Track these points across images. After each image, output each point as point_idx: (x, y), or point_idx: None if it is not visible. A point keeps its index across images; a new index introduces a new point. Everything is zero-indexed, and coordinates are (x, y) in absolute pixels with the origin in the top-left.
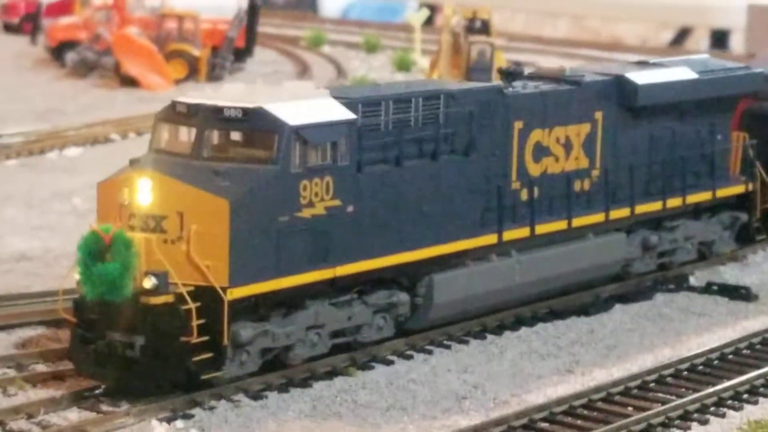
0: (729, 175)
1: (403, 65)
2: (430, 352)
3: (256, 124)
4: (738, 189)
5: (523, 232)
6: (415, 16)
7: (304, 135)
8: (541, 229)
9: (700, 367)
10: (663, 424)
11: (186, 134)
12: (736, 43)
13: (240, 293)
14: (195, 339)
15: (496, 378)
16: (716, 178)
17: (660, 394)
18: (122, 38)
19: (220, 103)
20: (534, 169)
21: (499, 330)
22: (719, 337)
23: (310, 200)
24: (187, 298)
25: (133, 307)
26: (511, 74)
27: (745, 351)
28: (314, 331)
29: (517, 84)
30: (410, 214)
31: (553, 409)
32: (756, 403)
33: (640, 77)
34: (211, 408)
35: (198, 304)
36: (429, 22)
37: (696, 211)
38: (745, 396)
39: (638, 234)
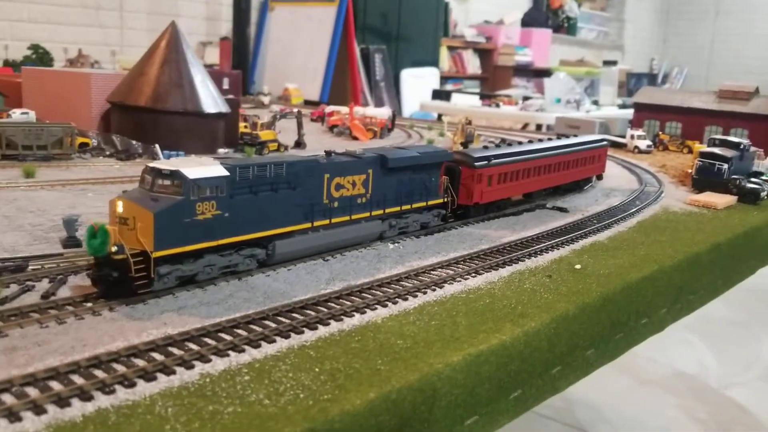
0: (437, 195)
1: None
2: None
3: (175, 177)
4: (439, 200)
5: (325, 222)
6: (447, 127)
7: (198, 183)
8: (336, 220)
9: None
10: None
11: (147, 180)
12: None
13: (159, 254)
14: (135, 274)
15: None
16: (430, 196)
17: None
18: (353, 124)
19: (162, 167)
20: (336, 194)
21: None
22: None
23: (203, 211)
24: (128, 256)
25: (110, 259)
26: (329, 153)
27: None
28: (209, 267)
29: (333, 157)
30: (263, 216)
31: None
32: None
33: (391, 155)
34: (145, 302)
35: (140, 258)
36: (439, 118)
37: (422, 209)
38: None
39: (388, 220)
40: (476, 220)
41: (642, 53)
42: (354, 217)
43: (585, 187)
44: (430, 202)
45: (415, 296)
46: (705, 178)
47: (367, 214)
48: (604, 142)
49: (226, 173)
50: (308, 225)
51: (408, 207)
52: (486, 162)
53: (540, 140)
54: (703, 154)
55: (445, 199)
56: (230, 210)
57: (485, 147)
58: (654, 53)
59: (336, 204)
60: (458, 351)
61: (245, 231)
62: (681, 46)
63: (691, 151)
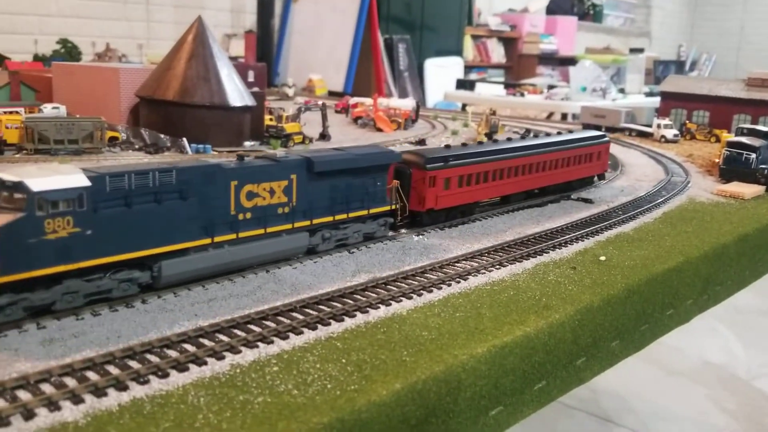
0: (384, 202)
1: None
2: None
3: (18, 190)
4: (386, 208)
5: (231, 236)
6: (471, 117)
7: (45, 196)
8: (246, 234)
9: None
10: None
11: None
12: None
13: (2, 280)
14: None
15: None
16: (375, 203)
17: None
18: (377, 116)
19: (6, 177)
20: (247, 204)
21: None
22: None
23: (54, 229)
24: None
25: None
26: (241, 157)
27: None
28: (70, 295)
29: (245, 162)
30: (143, 232)
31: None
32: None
33: (319, 157)
34: (176, 293)
35: None
36: (463, 108)
37: (364, 218)
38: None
39: (319, 232)
40: (500, 212)
41: (669, 40)
42: (271, 229)
43: (581, 188)
44: (375, 210)
45: (440, 288)
46: (732, 168)
47: (290, 226)
48: (605, 138)
49: (85, 184)
50: (207, 241)
51: (344, 216)
52: (441, 163)
53: (535, 136)
54: (730, 144)
55: (395, 206)
56: (94, 227)
57: (447, 146)
58: (682, 40)
59: (248, 215)
60: (483, 343)
61: (116, 251)
62: (710, 32)
63: (718, 141)
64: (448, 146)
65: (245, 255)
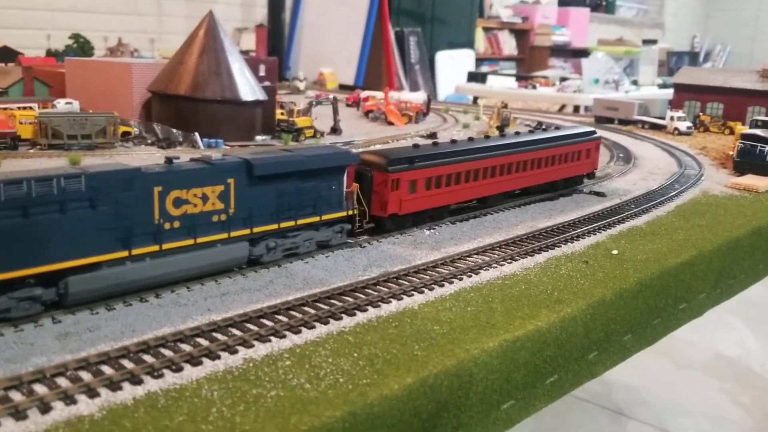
0: (341, 207)
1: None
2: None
3: None
4: (342, 214)
5: (154, 248)
6: (482, 110)
7: None
8: (172, 245)
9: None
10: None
11: None
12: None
13: None
14: None
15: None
16: (329, 209)
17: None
18: (388, 109)
19: None
20: (175, 212)
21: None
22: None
23: None
24: None
25: None
26: (169, 160)
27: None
28: None
29: (173, 165)
30: (42, 245)
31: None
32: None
33: (260, 160)
34: (189, 288)
35: None
36: (475, 101)
37: (317, 225)
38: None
39: (263, 241)
40: (512, 205)
41: (683, 31)
42: (203, 239)
43: (566, 188)
44: (329, 216)
45: (451, 282)
46: (746, 161)
47: (225, 236)
48: (595, 135)
49: None
50: (124, 253)
51: (292, 224)
52: (406, 165)
53: (516, 134)
54: (744, 136)
55: (353, 211)
56: None
57: (415, 146)
58: (696, 30)
59: (175, 224)
60: (494, 337)
61: (11, 267)
62: (724, 23)
63: (732, 133)
64: (416, 146)
65: (171, 268)
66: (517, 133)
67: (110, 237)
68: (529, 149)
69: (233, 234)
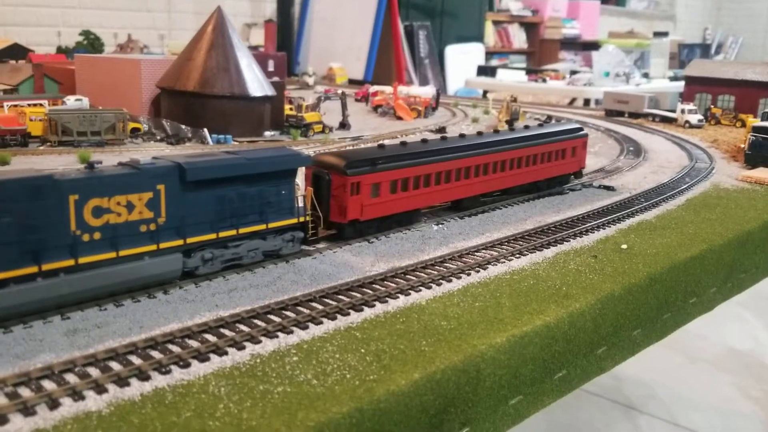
0: (291, 214)
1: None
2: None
3: None
4: (293, 221)
5: (69, 263)
6: (492, 104)
7: None
8: (90, 259)
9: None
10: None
11: None
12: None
13: None
14: None
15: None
16: (278, 215)
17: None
18: (397, 104)
19: None
20: (95, 222)
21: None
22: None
23: None
24: None
25: None
26: (90, 165)
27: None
28: None
29: (94, 171)
30: None
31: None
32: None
33: (194, 164)
34: (197, 284)
35: None
36: (484, 95)
37: (263, 233)
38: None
39: (199, 253)
40: (520, 200)
41: (695, 23)
42: (127, 252)
43: (549, 189)
44: (277, 224)
45: (459, 278)
46: (758, 154)
47: (154, 247)
48: (582, 132)
49: None
50: (32, 269)
51: (233, 233)
52: (367, 167)
53: (496, 131)
54: (756, 129)
55: (305, 218)
56: None
57: (380, 146)
58: (707, 22)
59: (96, 236)
60: (502, 332)
61: None
62: (736, 14)
63: (744, 126)
64: (381, 146)
65: (89, 284)
66: (496, 131)
67: (15, 251)
68: (508, 148)
69: (163, 245)
